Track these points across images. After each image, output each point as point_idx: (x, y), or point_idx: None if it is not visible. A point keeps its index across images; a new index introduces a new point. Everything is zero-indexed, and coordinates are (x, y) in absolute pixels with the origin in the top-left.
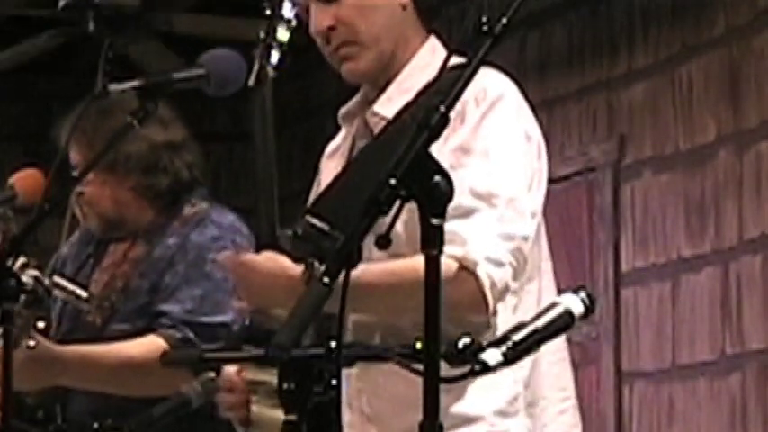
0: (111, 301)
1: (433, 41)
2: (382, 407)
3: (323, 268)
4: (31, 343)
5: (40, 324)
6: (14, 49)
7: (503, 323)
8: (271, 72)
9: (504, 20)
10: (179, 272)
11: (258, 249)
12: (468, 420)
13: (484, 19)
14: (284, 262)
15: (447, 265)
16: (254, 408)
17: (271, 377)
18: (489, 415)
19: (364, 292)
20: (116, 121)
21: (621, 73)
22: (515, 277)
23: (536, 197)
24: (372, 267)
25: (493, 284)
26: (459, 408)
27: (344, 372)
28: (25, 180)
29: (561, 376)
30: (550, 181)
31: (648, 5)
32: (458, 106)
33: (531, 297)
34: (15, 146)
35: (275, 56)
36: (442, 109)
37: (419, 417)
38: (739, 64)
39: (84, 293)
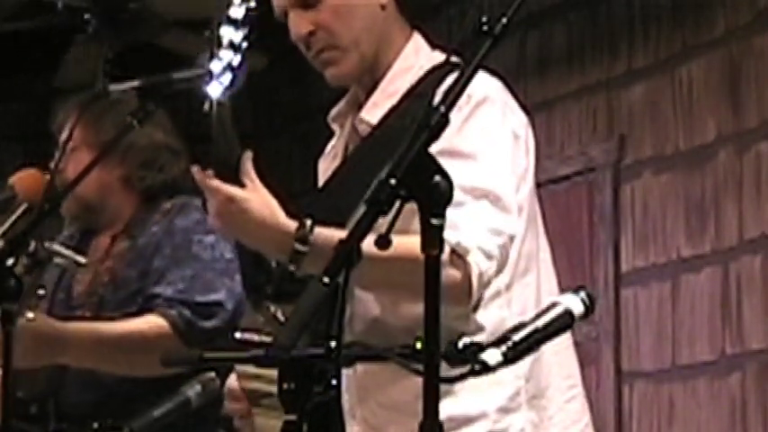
0: (99, 294)
1: (417, 39)
2: (384, 415)
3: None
4: (30, 315)
5: (41, 291)
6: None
7: (498, 319)
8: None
9: (504, 20)
10: (166, 255)
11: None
12: (470, 420)
13: (484, 19)
14: (278, 213)
15: None
16: (258, 419)
17: (267, 386)
18: (492, 412)
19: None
20: (123, 111)
21: (621, 73)
22: (496, 274)
23: (524, 193)
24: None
25: (480, 275)
26: (459, 409)
27: (345, 380)
28: (25, 180)
29: (565, 364)
30: (550, 181)
31: (648, 5)
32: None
33: (528, 290)
34: (15, 146)
35: (217, 89)
36: (442, 109)
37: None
38: (739, 64)
39: (82, 259)
